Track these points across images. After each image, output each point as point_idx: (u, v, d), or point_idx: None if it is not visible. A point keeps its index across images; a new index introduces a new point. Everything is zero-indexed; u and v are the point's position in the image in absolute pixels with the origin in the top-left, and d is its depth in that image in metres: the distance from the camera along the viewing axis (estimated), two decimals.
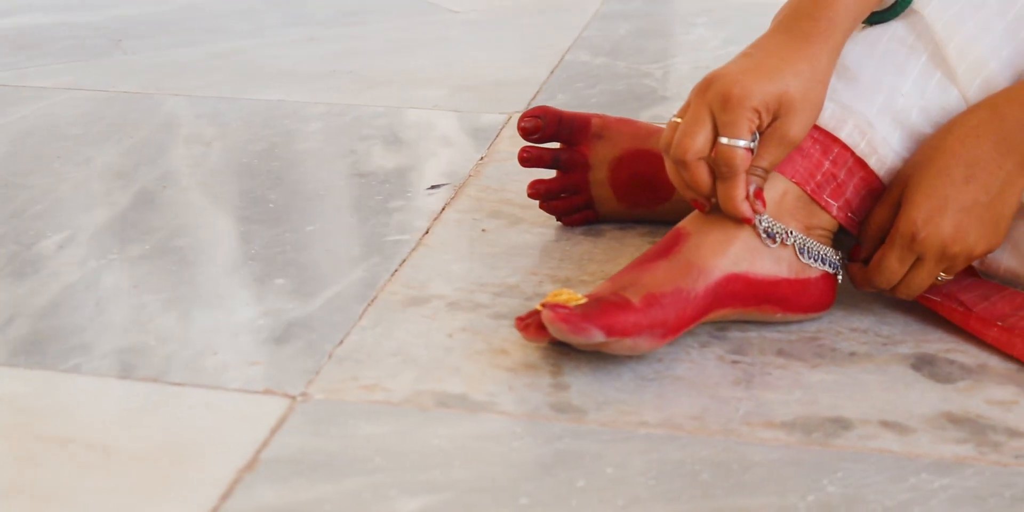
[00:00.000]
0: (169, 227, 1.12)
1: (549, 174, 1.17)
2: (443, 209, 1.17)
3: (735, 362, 0.91)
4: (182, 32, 1.80)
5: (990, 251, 0.93)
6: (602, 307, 0.86)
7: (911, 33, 0.94)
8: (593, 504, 0.75)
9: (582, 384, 0.88)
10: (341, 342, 0.93)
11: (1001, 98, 0.92)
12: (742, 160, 0.87)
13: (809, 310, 0.96)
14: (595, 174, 1.11)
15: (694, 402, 0.86)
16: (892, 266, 0.93)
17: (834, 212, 0.94)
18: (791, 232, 0.93)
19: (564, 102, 1.49)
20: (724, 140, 0.87)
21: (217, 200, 1.18)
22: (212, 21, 1.86)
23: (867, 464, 0.79)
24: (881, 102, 0.93)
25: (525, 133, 1.10)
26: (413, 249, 1.08)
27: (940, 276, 0.93)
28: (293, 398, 0.85)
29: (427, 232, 1.12)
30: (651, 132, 1.11)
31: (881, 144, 0.93)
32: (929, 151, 0.92)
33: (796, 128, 0.89)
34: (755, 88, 0.87)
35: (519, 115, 1.14)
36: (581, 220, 1.13)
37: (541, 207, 1.13)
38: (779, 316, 0.95)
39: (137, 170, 1.25)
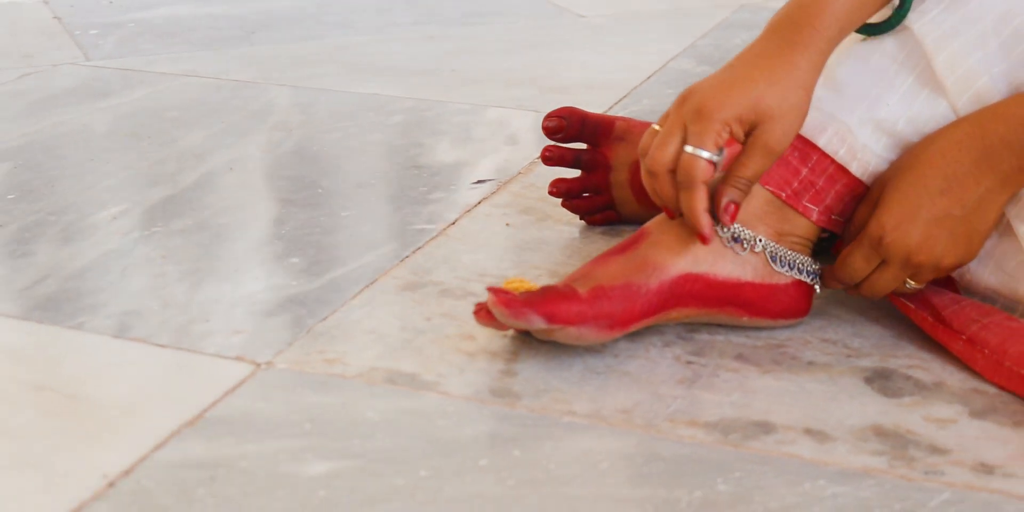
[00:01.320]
0: (217, 206, 1.21)
1: (576, 174, 1.20)
2: (479, 203, 1.22)
3: (689, 363, 0.93)
4: (313, 26, 1.90)
5: (960, 265, 0.92)
6: (546, 295, 0.90)
7: (902, 50, 0.94)
8: (487, 482, 0.79)
9: (531, 372, 0.91)
10: (325, 319, 0.99)
11: (987, 114, 0.91)
12: (702, 171, 0.89)
13: (779, 316, 0.97)
14: (616, 176, 1.14)
15: (630, 397, 0.88)
16: (857, 264, 0.93)
17: (814, 217, 0.95)
18: (759, 239, 0.94)
19: (647, 107, 1.52)
20: (688, 149, 0.89)
21: (272, 183, 1.26)
22: (344, 17, 1.95)
23: (770, 467, 0.80)
24: (864, 111, 0.94)
25: (548, 132, 1.14)
26: (432, 238, 1.14)
27: (908, 283, 0.93)
28: (258, 366, 0.92)
29: (453, 223, 1.17)
30: None
31: (862, 150, 0.94)
32: (910, 158, 0.92)
33: (776, 135, 0.90)
34: (728, 100, 0.89)
35: None
36: (603, 220, 1.17)
37: (563, 205, 1.17)
38: (746, 320, 0.96)
39: (213, 153, 1.35)
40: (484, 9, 2.02)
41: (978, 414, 0.87)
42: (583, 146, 1.15)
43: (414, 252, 1.11)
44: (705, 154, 0.89)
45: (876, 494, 0.78)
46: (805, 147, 0.95)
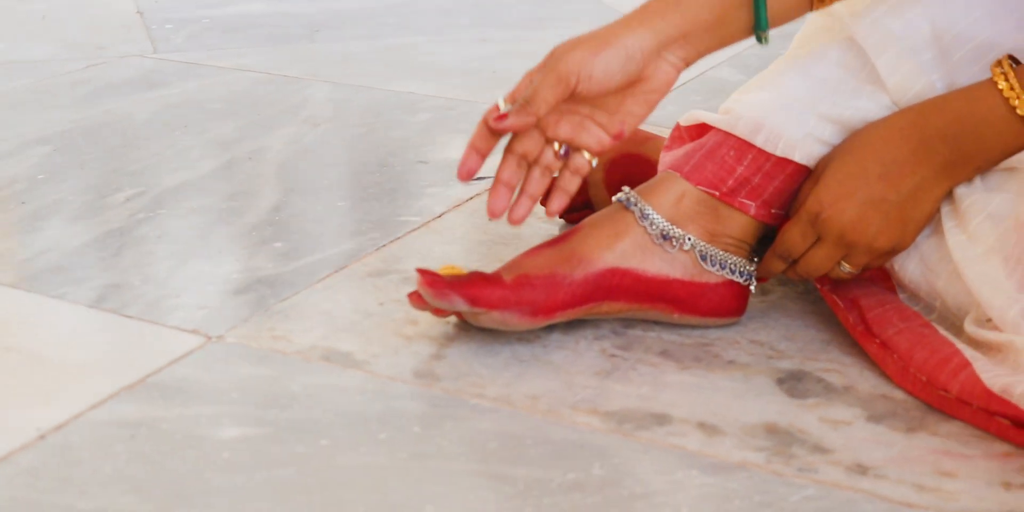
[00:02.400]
0: (224, 192, 1.29)
1: None
2: (470, 198, 1.28)
3: (613, 356, 0.98)
4: (374, 26, 1.97)
5: (892, 250, 0.95)
6: (472, 279, 0.95)
7: (845, 56, 0.98)
8: (378, 453, 0.84)
9: (459, 357, 0.97)
10: (285, 299, 1.06)
11: (928, 106, 0.94)
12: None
13: (709, 314, 1.00)
14: (592, 175, 1.19)
15: (543, 384, 0.93)
16: (794, 239, 0.97)
17: (752, 211, 0.98)
18: (688, 238, 0.98)
19: (670, 113, 1.55)
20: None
21: (282, 173, 1.34)
22: (406, 18, 2.02)
23: (649, 456, 0.85)
24: (807, 106, 0.97)
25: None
26: (413, 230, 1.20)
27: (843, 266, 0.96)
28: (209, 338, 0.99)
29: (439, 217, 1.23)
30: (646, 138, 1.18)
31: (804, 139, 0.96)
32: (853, 141, 0.95)
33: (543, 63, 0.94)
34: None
35: None
36: (580, 218, 1.21)
37: (541, 203, 1.22)
38: (676, 317, 1.00)
39: (238, 143, 1.43)
40: (544, 14, 2.07)
41: (875, 418, 0.90)
42: None
43: (392, 242, 1.17)
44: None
45: (742, 486, 0.81)
46: (741, 146, 0.98)
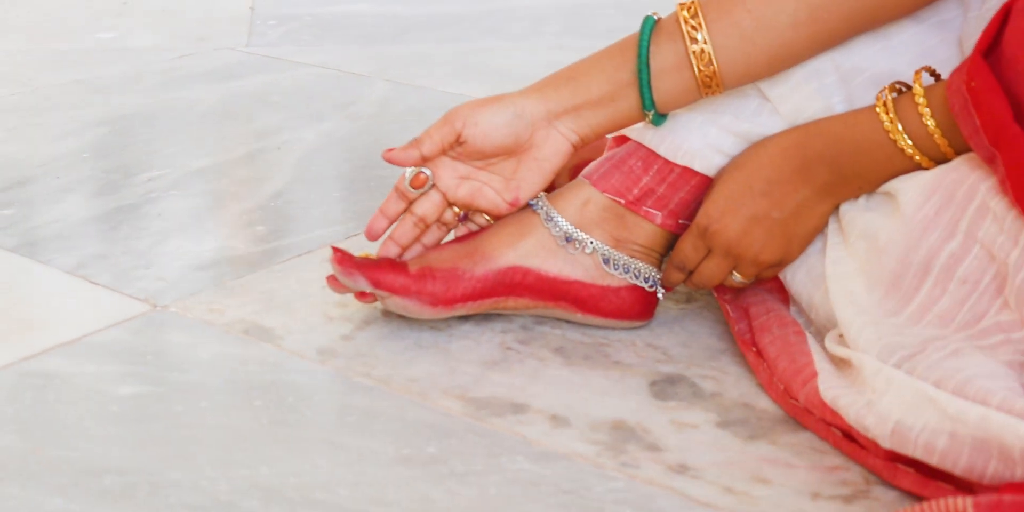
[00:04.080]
0: (237, 177, 1.39)
1: None
2: None
3: (509, 349, 1.04)
4: (465, 30, 2.06)
5: (779, 263, 0.99)
6: (379, 263, 1.02)
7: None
8: (245, 417, 0.93)
9: (366, 339, 1.04)
10: (241, 277, 1.15)
11: (813, 127, 0.97)
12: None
13: (612, 316, 1.05)
14: (559, 179, 1.24)
15: (428, 369, 1.00)
16: (686, 250, 1.01)
17: (658, 221, 1.03)
18: (591, 241, 1.03)
19: None
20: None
21: (300, 163, 1.44)
22: (499, 24, 2.10)
23: (486, 440, 0.91)
24: (711, 116, 1.01)
25: None
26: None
27: (735, 276, 1.00)
28: (154, 307, 1.09)
29: None
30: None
31: (704, 149, 1.01)
32: (743, 158, 0.99)
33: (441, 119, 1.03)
34: None
35: None
36: None
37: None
38: (580, 317, 1.05)
39: (275, 134, 1.54)
40: (634, 25, 2.12)
41: (724, 424, 0.93)
42: None
43: (357, 235, 1.25)
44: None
45: (556, 475, 0.87)
46: (649, 157, 1.03)
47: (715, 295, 1.05)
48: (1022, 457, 0.76)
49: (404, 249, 1.06)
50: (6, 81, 1.73)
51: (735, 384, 0.99)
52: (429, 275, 1.03)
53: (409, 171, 1.03)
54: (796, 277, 1.01)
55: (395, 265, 1.03)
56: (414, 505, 0.83)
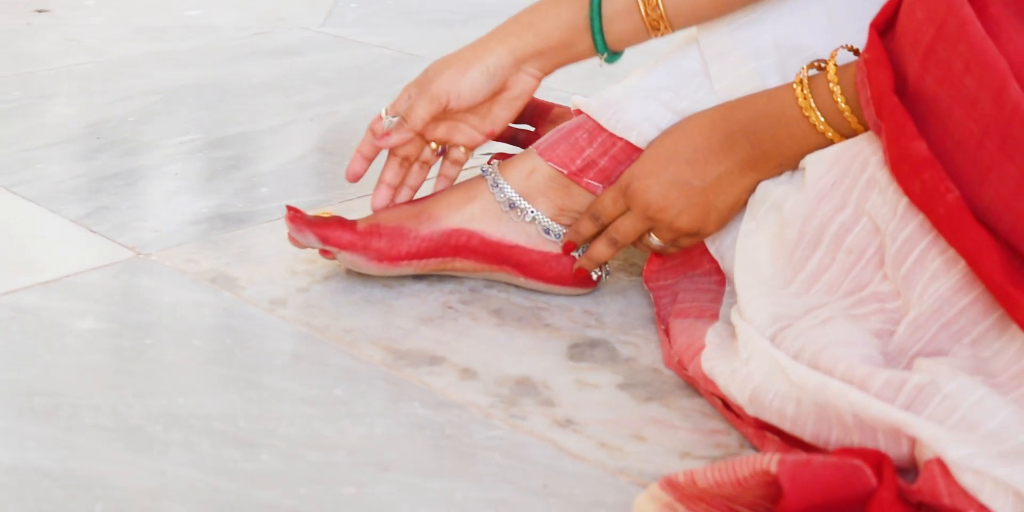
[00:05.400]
0: (261, 145, 1.47)
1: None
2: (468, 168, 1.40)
3: (450, 308, 1.08)
4: None
5: (697, 232, 1.02)
6: (328, 221, 1.08)
7: (696, 60, 1.04)
8: (181, 355, 1.00)
9: (319, 292, 1.11)
10: (228, 232, 1.23)
11: (740, 101, 1.00)
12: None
13: (554, 282, 1.09)
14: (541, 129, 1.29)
15: (367, 322, 1.06)
16: (604, 202, 1.05)
17: (599, 192, 1.06)
18: (531, 210, 1.07)
19: None
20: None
21: (326, 135, 1.51)
22: None
23: (393, 387, 0.96)
24: (653, 92, 1.05)
25: None
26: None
27: (652, 238, 1.03)
28: (138, 255, 1.17)
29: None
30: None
31: (642, 123, 1.04)
32: (677, 126, 1.03)
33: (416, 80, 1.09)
34: None
35: None
36: None
37: None
38: (523, 281, 1.10)
39: (312, 106, 1.61)
40: None
41: (626, 387, 0.96)
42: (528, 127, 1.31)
43: (358, 198, 1.31)
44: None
45: (445, 421, 0.91)
46: (595, 129, 1.06)
47: (645, 283, 1.09)
48: (855, 423, 0.78)
49: (395, 190, 1.13)
50: (84, 52, 1.85)
51: (653, 352, 1.02)
52: (375, 232, 1.08)
53: (387, 122, 1.10)
54: (723, 252, 1.03)
55: (344, 223, 1.09)
56: (303, 439, 0.89)
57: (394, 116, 1.10)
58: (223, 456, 0.87)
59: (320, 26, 2.03)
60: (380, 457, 0.87)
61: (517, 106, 1.09)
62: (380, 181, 1.12)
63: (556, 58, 1.07)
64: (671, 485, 0.76)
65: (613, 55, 1.07)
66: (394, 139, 1.08)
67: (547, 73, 1.08)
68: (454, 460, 0.87)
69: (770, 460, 0.73)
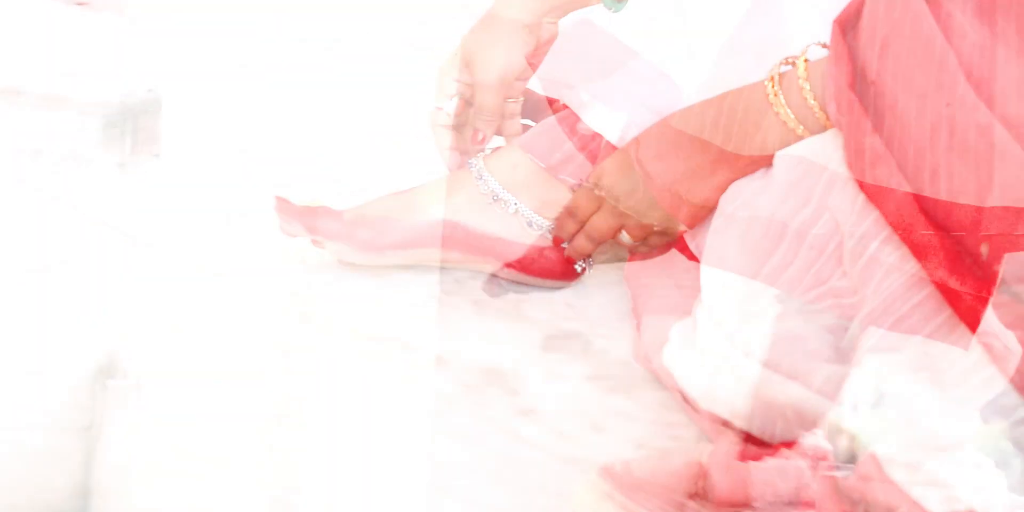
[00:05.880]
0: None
1: None
2: None
3: (433, 298, 1.10)
4: None
5: (665, 230, 1.02)
6: (315, 211, 1.10)
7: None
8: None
9: (309, 279, 1.11)
10: None
11: (716, 99, 1.00)
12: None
13: (541, 275, 1.10)
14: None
15: (347, 307, 1.07)
16: (579, 200, 1.06)
17: (575, 188, 1.07)
18: (515, 203, 1.08)
19: None
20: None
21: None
22: None
23: (364, 367, 0.98)
24: (635, 92, 1.05)
25: None
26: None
27: (625, 237, 1.04)
28: None
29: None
30: None
31: (620, 120, 1.05)
32: (653, 124, 1.03)
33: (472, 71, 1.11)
34: None
35: None
36: None
37: None
38: (506, 272, 1.10)
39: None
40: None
41: (594, 379, 0.97)
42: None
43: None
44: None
45: (407, 407, 0.92)
46: (576, 124, 1.07)
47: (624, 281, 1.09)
48: (796, 416, 0.78)
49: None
50: None
51: (627, 345, 1.02)
52: (362, 222, 1.10)
53: (449, 108, 1.14)
54: (702, 249, 1.03)
55: (330, 213, 1.10)
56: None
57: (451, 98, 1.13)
58: None
59: None
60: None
61: (546, 50, 1.12)
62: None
63: (570, 8, 1.09)
64: (609, 474, 0.77)
65: (618, 2, 1.08)
66: (487, 138, 1.12)
67: (561, 17, 1.11)
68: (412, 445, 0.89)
69: (702, 452, 0.73)
